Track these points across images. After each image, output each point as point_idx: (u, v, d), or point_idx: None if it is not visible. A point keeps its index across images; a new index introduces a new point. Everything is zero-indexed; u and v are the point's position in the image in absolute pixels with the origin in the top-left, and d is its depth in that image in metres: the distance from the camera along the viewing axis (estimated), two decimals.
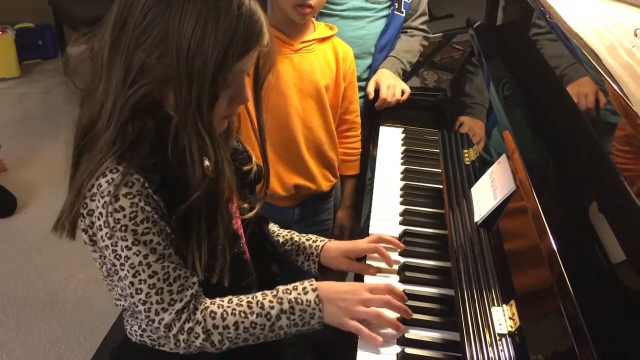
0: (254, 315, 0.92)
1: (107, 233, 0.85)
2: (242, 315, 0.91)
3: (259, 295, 0.94)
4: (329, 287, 0.96)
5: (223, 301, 0.93)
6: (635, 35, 0.98)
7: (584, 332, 0.66)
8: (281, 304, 0.93)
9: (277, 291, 0.95)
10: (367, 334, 0.94)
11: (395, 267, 1.13)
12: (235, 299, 0.93)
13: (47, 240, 2.32)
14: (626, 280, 0.74)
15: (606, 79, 0.87)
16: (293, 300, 0.93)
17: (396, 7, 1.65)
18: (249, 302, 0.93)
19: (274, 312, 0.92)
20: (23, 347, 1.92)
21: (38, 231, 2.39)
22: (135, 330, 0.97)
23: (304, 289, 0.94)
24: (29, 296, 2.12)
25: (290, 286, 0.95)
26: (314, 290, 0.94)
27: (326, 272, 1.17)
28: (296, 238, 1.17)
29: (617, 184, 0.82)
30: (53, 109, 3.28)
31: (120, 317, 1.08)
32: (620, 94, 0.81)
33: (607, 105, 0.93)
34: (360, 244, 1.14)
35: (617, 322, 0.69)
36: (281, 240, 1.17)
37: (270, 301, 0.93)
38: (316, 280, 0.98)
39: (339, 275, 1.70)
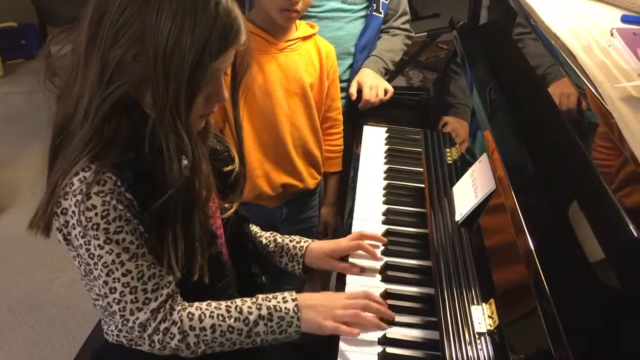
0: (232, 320, 0.91)
1: (80, 232, 0.85)
2: (220, 318, 0.91)
3: (238, 300, 0.94)
4: (308, 297, 0.97)
5: (202, 304, 0.93)
6: (612, 35, 0.99)
7: (560, 331, 0.67)
8: (260, 309, 0.93)
9: (257, 298, 0.95)
10: (345, 329, 0.94)
11: (378, 266, 1.13)
12: (214, 303, 0.93)
13: (30, 242, 2.30)
14: (603, 278, 0.74)
15: (582, 79, 0.88)
16: (272, 307, 0.93)
17: (374, 7, 1.66)
18: (227, 306, 0.93)
19: (252, 318, 0.92)
20: (5, 350, 1.90)
21: (21, 232, 2.33)
22: (112, 330, 0.96)
23: (283, 298, 0.95)
24: (11, 298, 2.10)
25: (270, 295, 0.96)
26: (293, 300, 0.95)
27: (311, 272, 1.17)
28: (279, 240, 1.17)
29: (595, 183, 0.82)
30: (37, 108, 3.25)
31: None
32: (595, 92, 0.82)
33: (584, 105, 0.94)
34: (343, 242, 1.14)
35: (593, 320, 0.69)
36: (264, 241, 1.17)
37: (249, 307, 0.93)
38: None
39: (323, 275, 1.70)
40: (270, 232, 1.19)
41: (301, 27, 1.47)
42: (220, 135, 1.07)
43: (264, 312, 0.92)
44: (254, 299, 0.95)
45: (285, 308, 0.93)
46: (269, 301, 0.94)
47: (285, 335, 0.94)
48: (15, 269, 2.23)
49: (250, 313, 0.92)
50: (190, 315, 0.90)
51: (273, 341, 0.94)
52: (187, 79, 0.81)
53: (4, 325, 1.99)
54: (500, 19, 1.59)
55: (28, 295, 2.12)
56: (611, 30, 1.00)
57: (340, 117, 1.60)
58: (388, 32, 1.72)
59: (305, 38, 1.46)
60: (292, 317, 0.93)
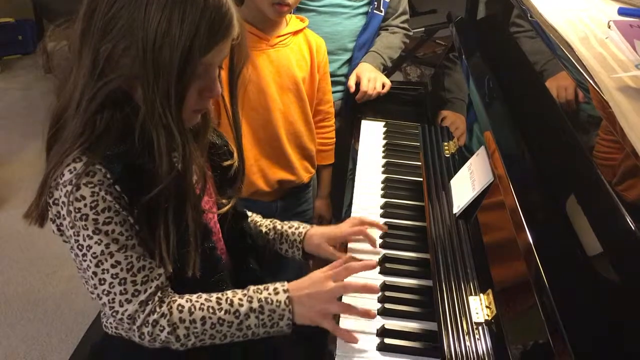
0: (222, 312, 0.90)
1: (69, 222, 0.85)
2: (210, 310, 0.90)
3: (229, 292, 0.93)
4: (298, 286, 0.95)
5: (192, 296, 0.92)
6: (609, 27, 0.99)
7: (557, 319, 0.67)
8: (251, 302, 0.91)
9: (248, 290, 0.94)
10: (342, 333, 0.94)
11: (376, 258, 1.14)
12: (204, 295, 0.92)
13: (27, 238, 2.30)
14: (600, 268, 0.75)
15: (579, 70, 0.88)
16: (263, 299, 0.92)
17: (375, 5, 1.67)
18: (218, 298, 0.92)
19: (242, 310, 0.91)
20: (4, 345, 1.91)
21: (18, 228, 2.36)
22: (110, 323, 0.96)
23: (275, 289, 0.93)
24: (9, 293, 2.10)
25: (261, 286, 0.94)
26: (285, 291, 0.93)
27: (309, 258, 1.17)
28: (279, 226, 1.17)
29: (591, 173, 0.83)
30: (33, 104, 3.25)
31: (100, 312, 1.08)
32: (592, 83, 0.83)
33: (583, 98, 0.94)
34: (344, 228, 1.15)
35: (590, 310, 0.70)
36: (264, 229, 1.17)
37: (240, 299, 0.92)
38: (302, 270, 0.97)
39: (323, 263, 1.71)
40: (270, 219, 1.19)
41: (291, 22, 1.47)
42: (218, 129, 1.07)
43: (255, 304, 0.91)
44: (245, 291, 0.93)
45: (277, 300, 0.92)
46: (260, 293, 0.93)
47: (276, 328, 0.92)
48: (13, 264, 2.23)
49: (241, 305, 0.91)
50: (180, 308, 0.89)
51: (265, 334, 0.93)
52: (176, 73, 0.81)
53: (2, 320, 1.99)
54: (498, 13, 1.59)
55: (26, 290, 2.12)
56: (608, 23, 1.00)
57: (332, 109, 1.61)
58: (387, 29, 1.74)
59: (295, 32, 1.46)
60: (284, 310, 0.92)
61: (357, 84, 1.62)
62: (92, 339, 1.13)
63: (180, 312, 0.89)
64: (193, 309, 0.90)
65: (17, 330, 1.96)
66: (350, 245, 1.17)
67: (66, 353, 1.86)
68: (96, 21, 0.82)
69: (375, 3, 1.67)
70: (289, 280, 0.97)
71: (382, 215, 1.27)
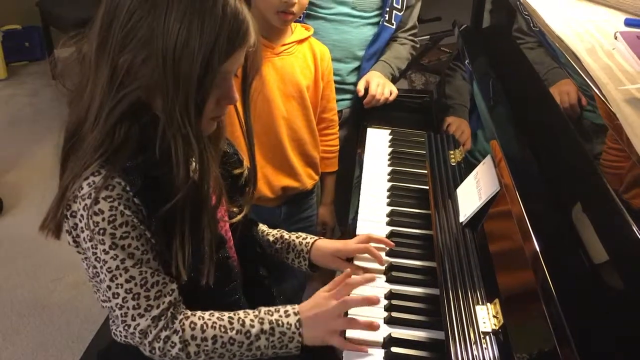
0: (234, 332, 0.91)
1: (87, 235, 0.86)
2: (222, 329, 0.91)
3: (241, 312, 0.94)
4: (306, 309, 0.96)
5: (204, 314, 0.93)
6: (615, 38, 1.00)
7: (565, 330, 0.67)
8: (262, 323, 0.92)
9: (260, 311, 0.94)
10: (351, 347, 0.95)
11: (382, 267, 1.14)
12: (216, 313, 0.93)
13: (33, 244, 2.31)
14: (607, 278, 0.75)
15: (586, 81, 0.88)
16: (274, 321, 0.93)
17: (386, 18, 1.68)
18: (230, 317, 0.93)
19: (254, 331, 0.92)
20: (10, 351, 1.91)
21: (24, 234, 2.37)
22: (120, 331, 0.97)
23: (285, 311, 0.94)
24: (16, 299, 2.11)
25: (272, 308, 0.95)
26: (295, 314, 0.94)
27: (316, 270, 1.17)
28: (286, 236, 1.17)
29: (598, 183, 0.83)
30: (40, 111, 3.26)
31: (107, 319, 1.08)
32: (599, 95, 0.83)
33: (590, 109, 0.95)
34: (350, 244, 1.15)
35: (597, 320, 0.70)
36: (271, 239, 1.18)
37: (252, 320, 0.93)
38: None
39: (326, 275, 1.72)
40: (278, 229, 1.20)
41: (297, 31, 1.49)
42: (228, 138, 1.08)
43: (266, 326, 0.92)
44: (257, 312, 0.94)
45: (288, 323, 0.93)
46: (271, 315, 0.93)
47: (285, 350, 0.93)
48: (19, 270, 2.24)
49: (252, 326, 0.92)
50: (192, 325, 0.90)
51: (273, 355, 0.94)
52: (196, 82, 0.81)
53: (8, 326, 2.00)
54: (503, 23, 1.60)
55: (32, 296, 2.12)
56: (615, 34, 1.01)
57: (336, 117, 1.62)
58: (396, 40, 1.75)
59: (300, 41, 1.48)
60: (294, 333, 0.93)
61: (366, 90, 1.63)
62: (99, 346, 1.13)
63: (193, 329, 0.90)
64: (205, 327, 0.91)
65: (23, 336, 1.96)
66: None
67: (72, 359, 1.87)
68: (114, 33, 0.82)
69: (387, 15, 1.68)
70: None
71: (388, 224, 1.27)
